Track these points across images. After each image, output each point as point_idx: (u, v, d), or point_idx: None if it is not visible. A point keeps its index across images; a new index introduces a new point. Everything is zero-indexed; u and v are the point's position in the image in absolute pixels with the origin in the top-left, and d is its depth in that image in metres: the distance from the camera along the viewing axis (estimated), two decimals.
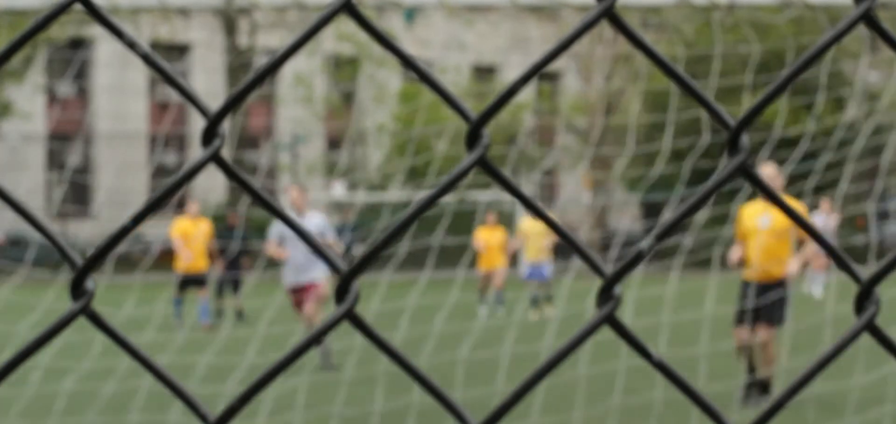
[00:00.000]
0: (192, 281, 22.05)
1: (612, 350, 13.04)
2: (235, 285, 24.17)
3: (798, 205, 12.33)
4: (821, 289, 26.67)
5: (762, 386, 12.31)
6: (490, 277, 25.04)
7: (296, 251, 14.88)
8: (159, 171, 52.31)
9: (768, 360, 12.22)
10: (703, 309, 14.96)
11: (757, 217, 12.26)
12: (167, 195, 1.23)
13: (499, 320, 23.16)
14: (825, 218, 27.86)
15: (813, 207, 27.34)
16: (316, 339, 1.25)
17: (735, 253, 12.40)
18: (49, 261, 31.17)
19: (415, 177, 31.50)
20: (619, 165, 45.19)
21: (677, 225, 1.30)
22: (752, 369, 12.29)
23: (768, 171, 12.39)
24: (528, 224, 24.83)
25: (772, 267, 12.23)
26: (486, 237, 25.31)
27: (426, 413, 11.18)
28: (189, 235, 22.06)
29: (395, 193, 44.68)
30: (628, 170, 38.13)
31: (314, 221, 15.06)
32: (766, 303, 12.16)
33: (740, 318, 12.33)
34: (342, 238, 34.44)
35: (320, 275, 15.05)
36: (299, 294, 15.06)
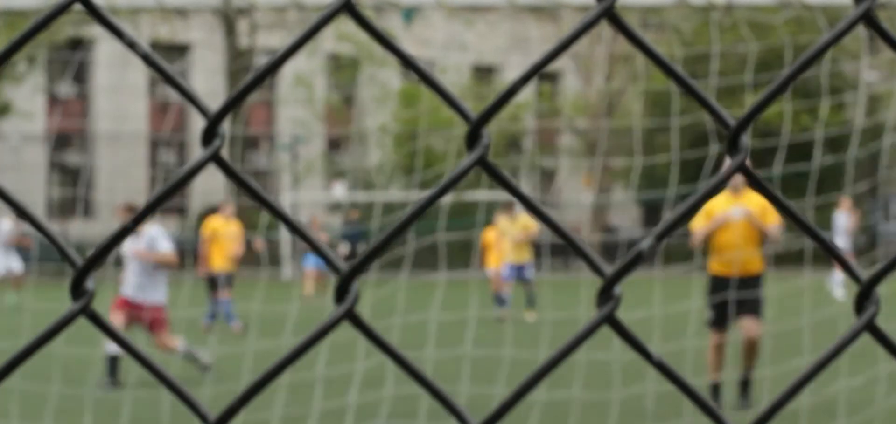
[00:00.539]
0: (217, 281, 22.01)
1: (607, 342, 13.08)
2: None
3: (762, 201, 11.97)
4: (842, 291, 25.92)
5: (744, 385, 11.84)
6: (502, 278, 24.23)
7: (131, 271, 14.41)
8: (159, 171, 52.35)
9: (755, 356, 11.78)
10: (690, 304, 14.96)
11: (728, 210, 11.70)
12: (167, 195, 1.23)
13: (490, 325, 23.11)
14: (846, 217, 27.46)
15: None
16: (316, 339, 1.25)
17: (699, 236, 11.75)
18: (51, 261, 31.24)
19: (419, 178, 31.47)
20: (621, 166, 45.24)
21: (678, 225, 1.30)
22: (717, 386, 11.73)
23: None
24: (504, 222, 23.87)
25: (749, 259, 11.76)
26: (496, 236, 24.66)
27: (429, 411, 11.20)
28: (219, 234, 22.16)
29: (397, 193, 44.69)
30: (631, 170, 38.13)
31: (149, 232, 14.82)
32: (750, 298, 11.66)
33: (719, 318, 11.74)
34: (349, 239, 34.50)
35: (160, 298, 14.54)
36: (134, 309, 14.35)
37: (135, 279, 14.46)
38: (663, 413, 11.46)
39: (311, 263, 29.42)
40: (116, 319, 14.24)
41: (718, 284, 11.79)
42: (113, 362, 14.01)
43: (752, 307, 11.70)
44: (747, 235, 11.74)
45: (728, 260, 11.70)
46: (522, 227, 23.51)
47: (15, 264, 26.98)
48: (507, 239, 23.65)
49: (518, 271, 23.65)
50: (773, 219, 11.71)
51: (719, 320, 11.78)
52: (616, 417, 11.42)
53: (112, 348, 13.98)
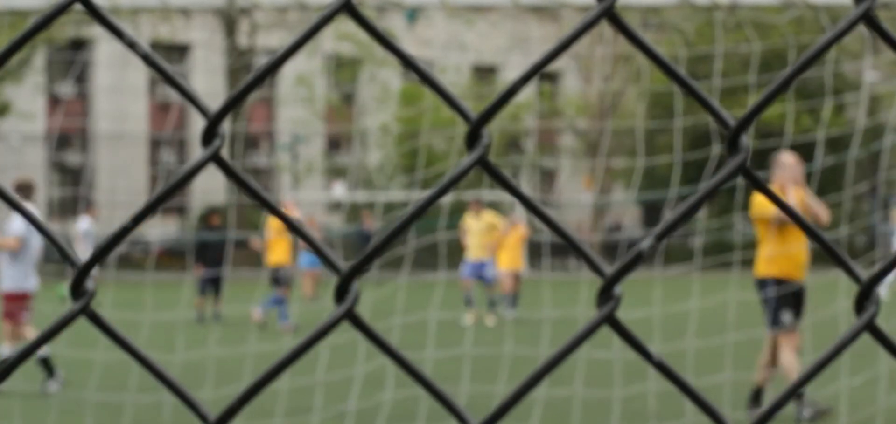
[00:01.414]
0: (281, 276, 22.00)
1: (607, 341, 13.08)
2: (216, 286, 23.98)
3: (802, 194, 11.46)
4: (886, 291, 25.03)
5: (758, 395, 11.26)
6: (514, 277, 23.61)
7: (29, 255, 13.80)
8: (160, 171, 52.37)
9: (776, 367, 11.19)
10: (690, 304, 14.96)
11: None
12: (167, 195, 1.23)
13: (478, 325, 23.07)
14: None
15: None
16: (316, 339, 1.24)
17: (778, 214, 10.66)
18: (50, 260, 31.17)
19: (419, 177, 31.50)
20: (621, 167, 45.23)
21: (678, 225, 1.30)
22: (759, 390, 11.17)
23: (788, 160, 11.12)
24: (470, 220, 22.97)
25: (800, 264, 11.13)
26: (509, 236, 23.89)
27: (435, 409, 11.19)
28: (282, 231, 22.20)
29: (397, 193, 44.70)
30: (632, 171, 38.09)
31: (19, 220, 14.34)
32: (801, 305, 11.13)
33: (792, 315, 10.96)
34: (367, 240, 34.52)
35: (34, 285, 13.93)
36: (18, 301, 13.73)
37: (29, 267, 13.86)
38: (665, 412, 11.46)
39: (306, 262, 29.36)
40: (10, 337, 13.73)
41: (775, 285, 11.06)
42: (46, 362, 13.51)
43: (800, 316, 11.14)
44: (800, 236, 10.98)
45: (781, 261, 11.06)
46: (487, 225, 22.80)
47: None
48: (471, 236, 22.86)
49: (478, 269, 22.79)
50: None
51: (792, 317, 11.02)
52: (618, 415, 11.42)
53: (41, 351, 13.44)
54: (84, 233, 26.90)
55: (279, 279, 21.86)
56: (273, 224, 22.15)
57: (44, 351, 13.38)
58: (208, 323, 22.66)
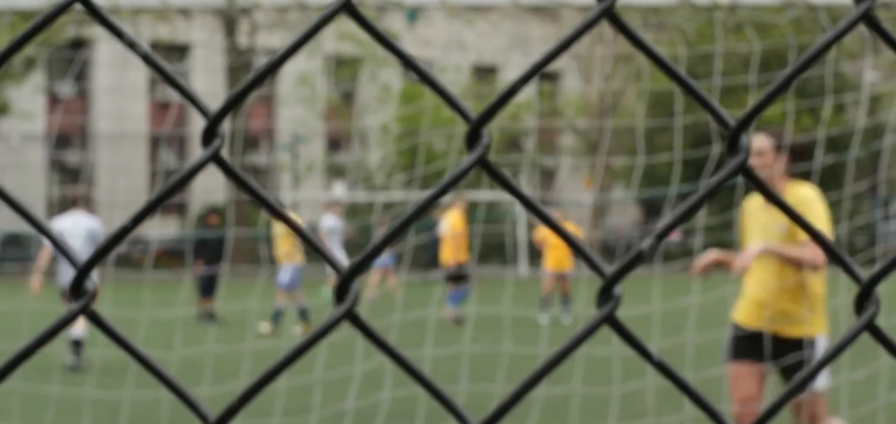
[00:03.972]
0: (453, 276, 22.30)
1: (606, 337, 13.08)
2: (211, 285, 23.91)
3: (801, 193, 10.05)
4: None
5: None
6: (558, 280, 22.83)
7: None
8: (160, 170, 52.37)
9: None
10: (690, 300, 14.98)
11: None
12: (167, 195, 1.23)
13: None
14: None
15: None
16: (316, 339, 1.24)
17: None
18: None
19: (419, 177, 31.44)
20: (621, 166, 45.19)
21: (677, 225, 1.30)
22: None
23: (759, 144, 8.29)
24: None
25: None
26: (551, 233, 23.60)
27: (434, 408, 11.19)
28: (457, 231, 22.47)
29: (397, 193, 44.68)
30: (632, 170, 38.10)
31: None
32: None
33: None
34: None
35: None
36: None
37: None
38: (663, 409, 11.47)
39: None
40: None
41: None
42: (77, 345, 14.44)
43: None
44: None
45: None
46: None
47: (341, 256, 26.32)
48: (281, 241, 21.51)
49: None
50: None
51: None
52: (616, 413, 11.42)
53: (76, 332, 14.42)
54: (329, 230, 26.14)
55: (459, 275, 22.20)
56: (451, 222, 22.38)
57: (79, 334, 14.36)
58: (204, 321, 22.69)
